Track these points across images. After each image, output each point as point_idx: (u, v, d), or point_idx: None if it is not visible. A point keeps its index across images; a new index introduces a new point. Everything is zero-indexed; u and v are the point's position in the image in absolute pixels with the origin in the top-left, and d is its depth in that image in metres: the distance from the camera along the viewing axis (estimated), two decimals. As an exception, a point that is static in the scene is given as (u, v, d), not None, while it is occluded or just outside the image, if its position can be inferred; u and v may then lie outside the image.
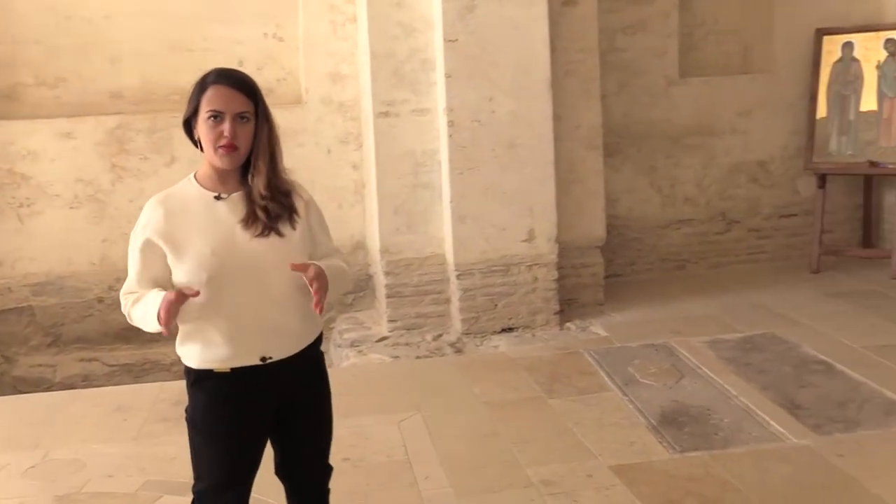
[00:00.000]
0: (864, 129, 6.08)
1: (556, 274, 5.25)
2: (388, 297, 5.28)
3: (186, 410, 2.28)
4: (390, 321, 5.29)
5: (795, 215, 6.52)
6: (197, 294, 2.06)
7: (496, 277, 5.17)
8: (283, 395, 2.25)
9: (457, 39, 4.97)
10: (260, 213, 2.16)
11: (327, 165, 5.66)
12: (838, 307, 5.36)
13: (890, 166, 5.95)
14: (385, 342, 5.19)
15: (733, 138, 6.39)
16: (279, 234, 2.18)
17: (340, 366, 5.10)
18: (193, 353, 2.20)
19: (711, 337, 4.90)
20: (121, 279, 5.81)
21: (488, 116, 5.04)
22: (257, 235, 2.15)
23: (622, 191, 6.25)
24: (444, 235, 5.25)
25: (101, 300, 5.64)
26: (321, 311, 2.17)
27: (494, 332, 5.18)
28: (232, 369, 2.17)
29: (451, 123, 5.02)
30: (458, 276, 5.14)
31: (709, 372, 4.38)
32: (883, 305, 5.34)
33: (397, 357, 4.96)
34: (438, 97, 5.11)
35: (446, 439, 3.77)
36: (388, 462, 3.56)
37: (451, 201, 5.09)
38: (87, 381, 5.49)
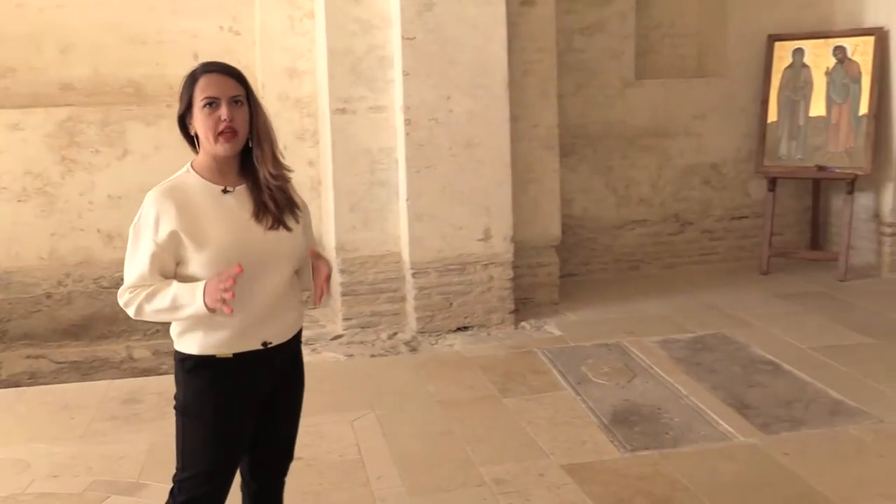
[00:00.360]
0: (812, 133, 6.21)
1: (511, 273, 5.28)
2: (344, 295, 5.26)
3: (176, 398, 2.28)
4: (345, 319, 5.27)
5: (746, 217, 6.64)
6: (241, 271, 2.07)
7: (452, 276, 5.17)
8: (273, 380, 2.32)
9: (415, 37, 4.96)
10: (270, 204, 2.22)
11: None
12: (787, 308, 5.47)
13: (837, 171, 6.09)
14: (340, 340, 5.17)
15: (687, 140, 6.48)
16: (287, 228, 2.25)
17: (294, 364, 5.06)
18: (195, 339, 2.21)
19: (663, 337, 4.97)
20: (70, 274, 5.70)
21: (446, 115, 5.04)
22: (269, 228, 2.21)
23: (578, 191, 6.31)
24: (400, 234, 5.24)
25: (49, 296, 5.52)
26: (320, 303, 2.34)
27: (450, 331, 5.18)
28: (234, 354, 2.21)
29: (408, 122, 5.01)
30: (413, 275, 5.14)
31: (660, 371, 4.44)
32: (829, 307, 5.46)
33: (352, 355, 4.94)
34: (396, 95, 5.10)
35: (400, 438, 3.76)
36: (340, 461, 3.54)
37: (408, 200, 5.08)
38: (33, 379, 5.36)
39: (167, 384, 4.54)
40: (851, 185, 6.01)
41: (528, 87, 5.38)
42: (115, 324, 5.58)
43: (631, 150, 6.39)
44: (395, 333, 5.22)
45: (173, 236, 2.15)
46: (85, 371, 5.53)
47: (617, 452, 3.58)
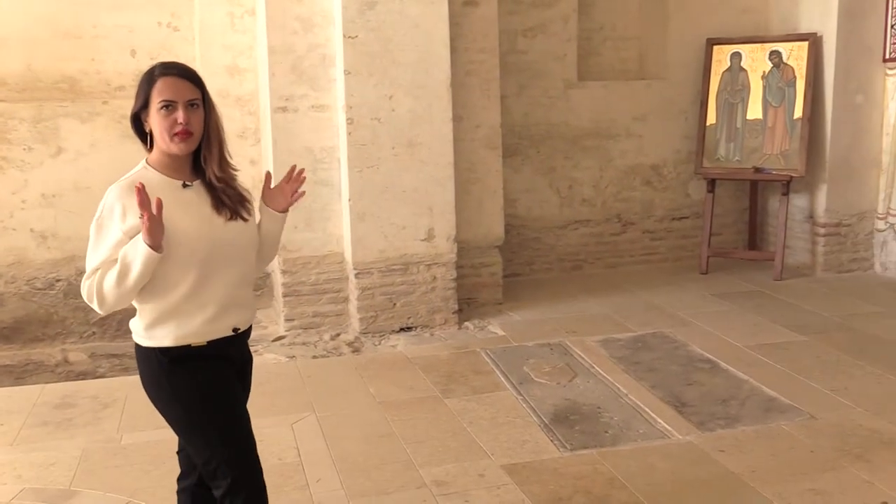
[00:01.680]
0: (749, 136, 6.34)
1: (455, 273, 5.28)
2: (286, 295, 5.20)
3: (158, 398, 2.32)
4: (287, 320, 5.21)
5: (687, 218, 6.75)
6: (160, 204, 2.11)
7: (395, 276, 5.15)
8: (238, 364, 2.42)
9: (357, 36, 4.93)
10: (225, 199, 2.31)
11: (224, 160, 5.52)
12: (724, 307, 5.57)
13: (773, 172, 6.23)
14: (282, 342, 5.11)
15: (629, 142, 6.56)
16: (243, 218, 2.35)
17: (235, 366, 4.99)
18: (167, 331, 2.26)
19: (605, 336, 5.02)
20: (2, 275, 5.52)
21: (388, 114, 5.02)
22: (228, 220, 2.31)
23: (521, 191, 6.34)
24: (342, 233, 5.21)
25: (-21, 297, 5.35)
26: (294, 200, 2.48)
27: (393, 332, 5.16)
28: (208, 342, 2.29)
29: (350, 121, 4.98)
30: (356, 275, 5.10)
31: (601, 371, 4.49)
32: (766, 305, 5.59)
33: (293, 357, 4.89)
34: (338, 94, 5.06)
35: (340, 440, 3.73)
36: (279, 464, 3.50)
37: (350, 199, 5.05)
38: (-38, 383, 5.20)
39: (103, 387, 4.48)
40: (787, 186, 6.16)
41: (470, 87, 5.39)
42: (49, 326, 5.44)
43: (573, 150, 6.45)
44: (338, 334, 5.18)
45: (137, 228, 2.17)
46: (18, 375, 5.37)
47: (557, 452, 3.60)
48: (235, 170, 2.41)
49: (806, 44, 6.15)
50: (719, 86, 6.43)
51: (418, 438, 3.75)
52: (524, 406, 4.07)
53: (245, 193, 2.40)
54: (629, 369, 4.50)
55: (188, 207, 2.27)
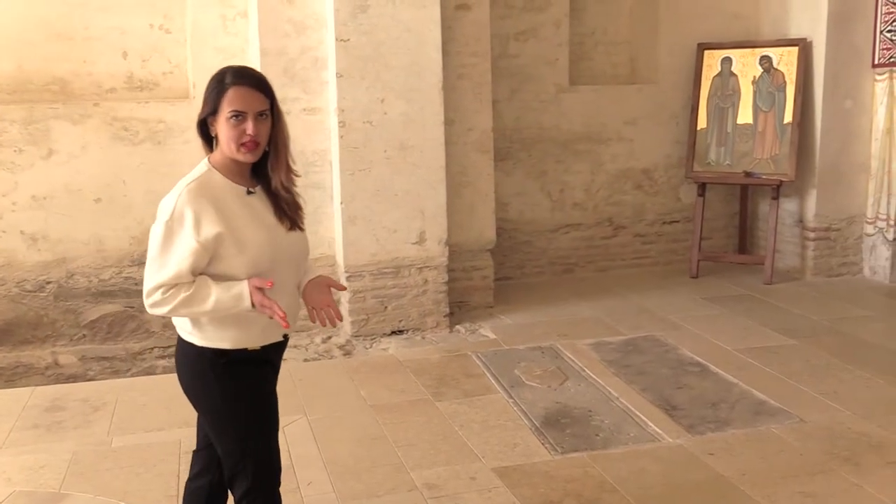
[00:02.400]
0: (740, 140, 6.37)
1: (446, 276, 5.29)
2: (277, 298, 5.19)
3: (201, 396, 2.37)
4: (278, 323, 5.20)
5: (677, 222, 6.77)
6: (271, 285, 2.23)
7: (386, 279, 5.16)
8: (278, 368, 2.51)
9: (349, 39, 4.94)
10: (285, 207, 2.36)
11: (215, 163, 5.52)
12: (714, 311, 5.59)
13: (763, 177, 6.26)
14: (272, 344, 5.10)
15: (620, 146, 6.59)
16: (300, 228, 2.41)
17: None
18: (227, 335, 2.30)
19: (596, 339, 5.03)
20: (-10, 278, 5.46)
21: (380, 118, 5.03)
22: (289, 230, 2.36)
23: (513, 195, 6.35)
24: (334, 236, 5.21)
25: (-32, 300, 5.32)
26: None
27: (384, 335, 5.17)
28: (262, 347, 2.35)
29: (342, 124, 4.98)
30: (348, 278, 5.10)
31: (592, 374, 4.50)
32: (756, 309, 5.61)
33: (285, 360, 4.83)
34: (330, 97, 5.07)
35: (331, 443, 3.73)
36: (270, 467, 3.49)
37: (342, 202, 5.05)
38: (-49, 386, 5.18)
39: (93, 390, 4.47)
40: (776, 190, 6.19)
41: (462, 90, 5.41)
42: (39, 328, 5.41)
43: (565, 154, 6.47)
44: (330, 337, 5.18)
45: (219, 237, 2.22)
46: (8, 378, 5.35)
47: (548, 455, 3.61)
48: (297, 175, 2.43)
49: (796, 49, 6.19)
50: (710, 90, 6.47)
51: (409, 441, 3.75)
52: (515, 409, 4.08)
53: (300, 201, 2.44)
54: (620, 372, 4.51)
55: (254, 215, 2.30)
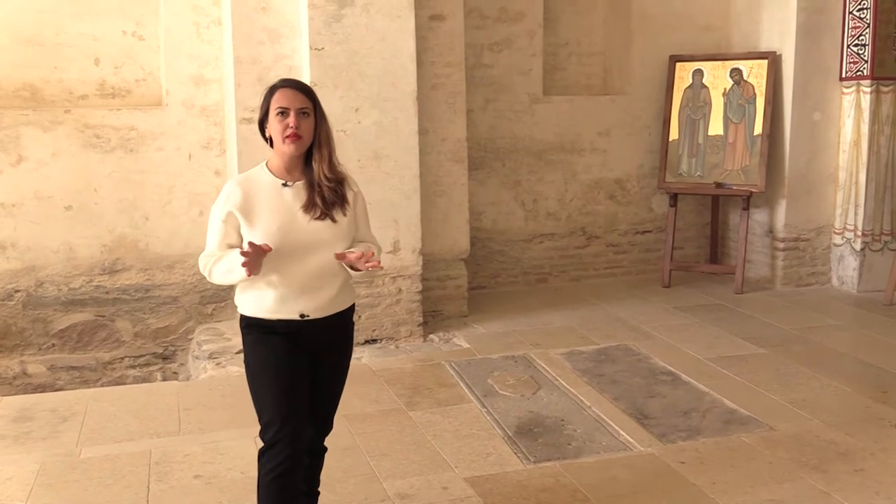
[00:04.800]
0: (711, 152, 6.45)
1: (420, 286, 5.29)
2: (250, 307, 5.16)
3: (244, 354, 2.73)
4: (251, 332, 5.17)
5: (650, 232, 6.84)
6: (269, 249, 2.53)
7: (360, 289, 5.14)
8: (315, 348, 2.71)
9: (323, 48, 4.94)
10: (318, 200, 2.64)
11: (188, 171, 5.49)
12: (686, 320, 5.64)
13: (734, 188, 6.33)
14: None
15: (593, 156, 6.64)
16: (332, 219, 2.66)
17: (198, 378, 4.94)
18: (248, 303, 2.69)
19: (569, 348, 5.06)
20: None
21: (354, 127, 5.03)
22: (315, 218, 2.64)
23: (487, 204, 6.38)
24: (307, 245, 5.18)
25: (-66, 308, 5.24)
26: (379, 266, 2.67)
27: (358, 344, 5.13)
28: (277, 320, 2.65)
29: (316, 133, 4.97)
30: (321, 287, 5.08)
31: (564, 383, 4.52)
32: (726, 319, 5.67)
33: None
34: (304, 106, 5.05)
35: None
36: (242, 478, 3.46)
37: (316, 211, 5.03)
38: (-84, 396, 5.08)
39: (62, 401, 4.41)
40: (747, 201, 6.27)
41: (437, 100, 5.42)
42: (7, 338, 5.34)
43: (539, 164, 6.51)
44: (302, 346, 5.15)
45: (230, 215, 2.63)
46: (-26, 387, 5.27)
47: (520, 464, 3.62)
48: (343, 171, 2.73)
49: (766, 62, 6.28)
50: (682, 102, 6.54)
51: (382, 451, 3.74)
52: (488, 418, 4.09)
53: (348, 194, 2.71)
54: (592, 381, 4.54)
55: (279, 204, 2.64)
